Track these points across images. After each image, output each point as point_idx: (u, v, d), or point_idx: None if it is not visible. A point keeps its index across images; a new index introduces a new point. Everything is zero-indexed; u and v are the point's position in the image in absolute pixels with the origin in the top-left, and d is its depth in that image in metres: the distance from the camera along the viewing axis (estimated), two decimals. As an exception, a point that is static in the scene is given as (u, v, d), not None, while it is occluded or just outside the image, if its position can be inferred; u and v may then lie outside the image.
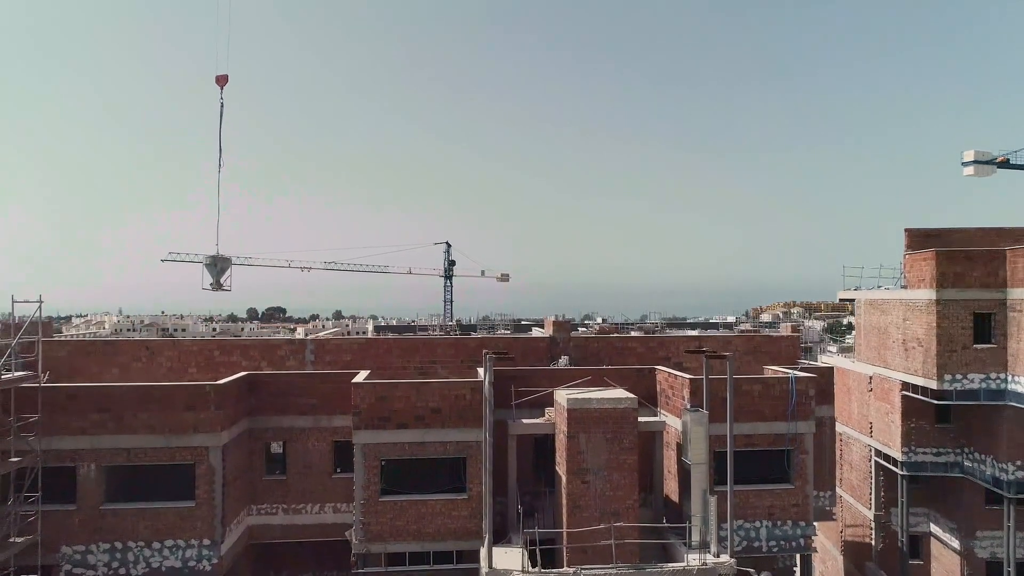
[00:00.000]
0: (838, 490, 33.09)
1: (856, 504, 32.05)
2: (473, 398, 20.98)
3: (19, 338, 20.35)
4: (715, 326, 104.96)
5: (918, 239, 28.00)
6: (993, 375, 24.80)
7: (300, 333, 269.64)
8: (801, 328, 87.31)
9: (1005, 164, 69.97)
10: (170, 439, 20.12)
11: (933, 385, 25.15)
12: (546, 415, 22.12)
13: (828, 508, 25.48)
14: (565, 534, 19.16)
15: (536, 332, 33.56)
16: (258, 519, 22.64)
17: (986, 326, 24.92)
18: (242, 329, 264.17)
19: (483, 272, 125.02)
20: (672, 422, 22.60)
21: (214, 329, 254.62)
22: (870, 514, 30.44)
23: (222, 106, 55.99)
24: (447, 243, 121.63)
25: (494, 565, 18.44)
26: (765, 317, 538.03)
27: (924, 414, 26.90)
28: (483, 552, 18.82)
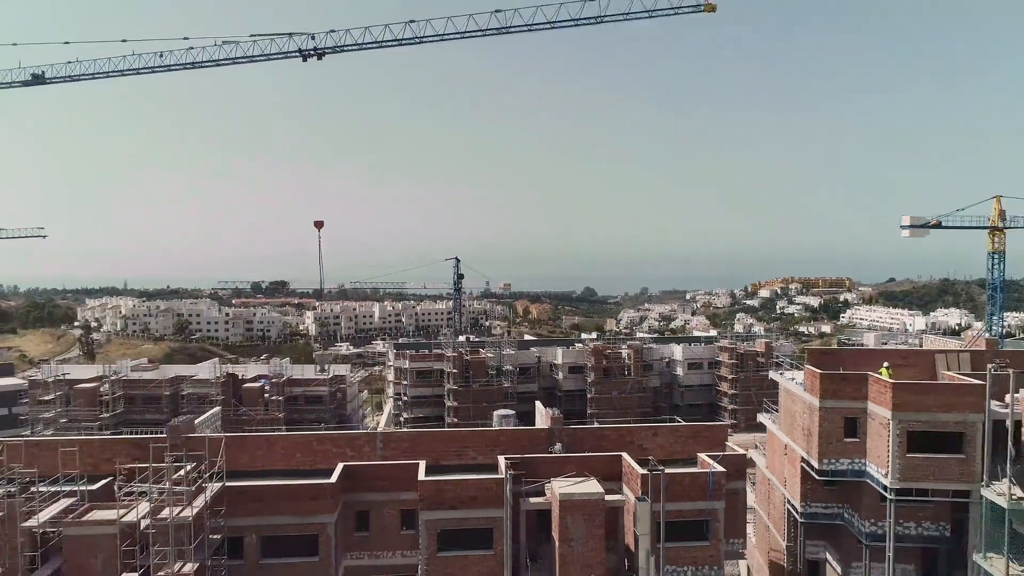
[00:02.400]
0: (766, 520, 44.87)
1: (776, 535, 43.77)
2: (497, 489, 32.32)
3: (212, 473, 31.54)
4: (698, 340, 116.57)
5: (815, 356, 39.22)
6: (857, 460, 36.18)
7: (309, 318, 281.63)
8: (773, 345, 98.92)
9: (937, 226, 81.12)
10: (302, 518, 31.58)
11: (816, 465, 36.60)
12: (547, 493, 33.47)
13: (740, 550, 36.90)
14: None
15: (538, 417, 44.45)
16: (352, 562, 34.14)
17: (852, 426, 36.22)
18: (254, 314, 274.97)
19: (487, 283, 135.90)
20: (630, 496, 33.94)
21: (227, 315, 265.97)
22: (783, 544, 42.17)
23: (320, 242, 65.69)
24: (456, 258, 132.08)
25: (512, 601, 29.99)
26: (763, 293, 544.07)
27: (824, 484, 38.25)
28: (505, 592, 30.36)
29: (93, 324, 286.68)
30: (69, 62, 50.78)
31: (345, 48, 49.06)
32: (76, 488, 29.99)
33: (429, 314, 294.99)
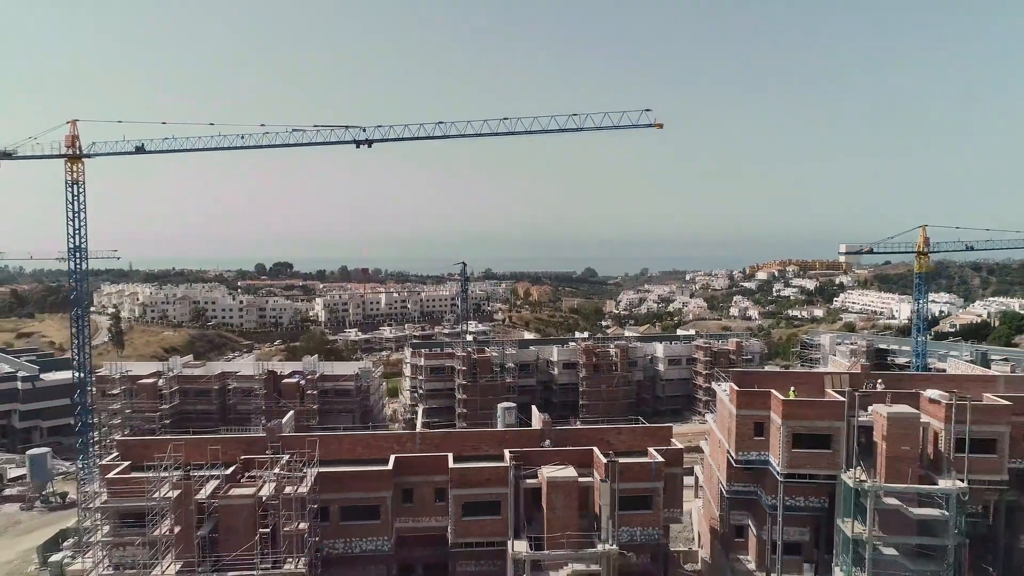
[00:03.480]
0: (706, 497, 59.54)
1: (713, 507, 58.47)
2: (503, 473, 46.74)
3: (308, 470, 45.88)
4: (678, 338, 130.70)
5: (738, 376, 53.59)
6: (763, 453, 50.63)
7: (318, 304, 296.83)
8: (744, 343, 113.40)
9: (870, 252, 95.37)
10: (368, 493, 46.10)
11: (735, 456, 51.13)
12: (538, 476, 47.83)
13: (678, 517, 51.44)
14: (546, 537, 45.15)
15: (534, 419, 58.63)
16: (401, 524, 48.61)
17: (760, 428, 50.62)
18: (266, 301, 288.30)
19: (486, 270, 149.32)
20: (597, 478, 48.29)
21: (240, 302, 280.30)
22: (718, 513, 56.84)
23: None
24: (463, 263, 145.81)
25: (515, 548, 44.55)
26: (761, 275, 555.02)
27: (742, 471, 52.66)
28: (509, 543, 44.89)
29: (111, 310, 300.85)
30: (166, 138, 64.73)
31: (388, 139, 62.91)
32: (217, 473, 44.41)
33: (434, 300, 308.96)
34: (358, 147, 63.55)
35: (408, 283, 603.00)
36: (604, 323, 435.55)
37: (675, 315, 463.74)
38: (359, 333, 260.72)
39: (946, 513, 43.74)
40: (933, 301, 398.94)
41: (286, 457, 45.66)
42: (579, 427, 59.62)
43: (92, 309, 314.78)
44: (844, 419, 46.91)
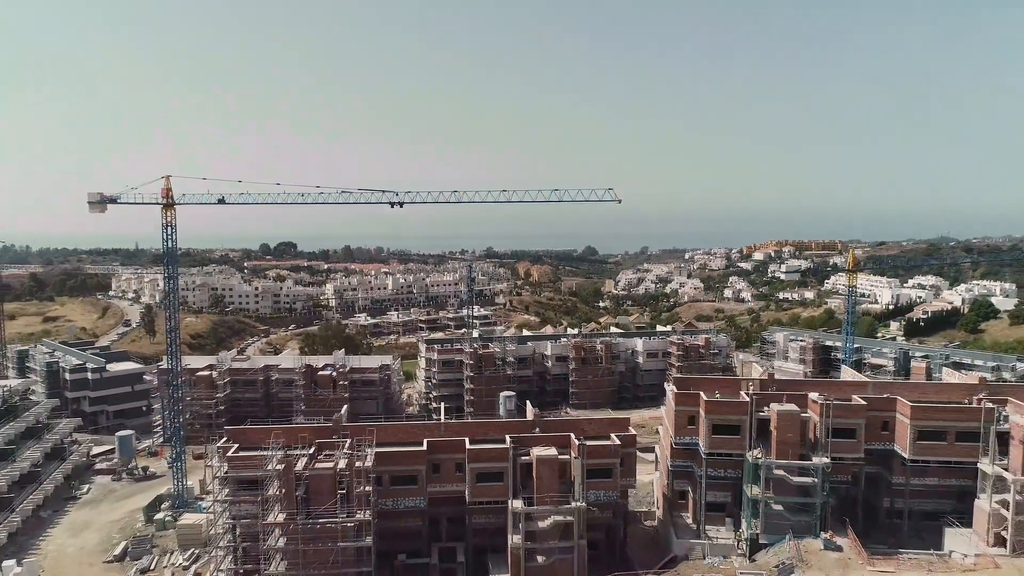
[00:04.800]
0: (660, 470, 79.56)
1: (664, 478, 78.49)
2: (505, 452, 66.60)
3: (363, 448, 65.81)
4: (659, 334, 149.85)
5: (680, 381, 73.28)
6: (694, 438, 70.51)
7: (328, 290, 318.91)
8: (712, 339, 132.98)
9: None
10: (409, 467, 66.07)
11: (674, 440, 71.02)
12: (531, 454, 67.55)
13: (632, 484, 71.36)
14: (535, 497, 65.05)
15: (528, 411, 78.28)
16: (431, 489, 68.40)
17: (692, 420, 70.44)
18: (280, 288, 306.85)
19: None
20: (573, 456, 67.99)
21: (256, 289, 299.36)
22: (666, 482, 76.83)
23: None
24: (469, 266, 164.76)
25: (514, 505, 64.51)
26: (757, 255, 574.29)
27: (681, 450, 72.45)
28: (510, 502, 64.85)
29: (131, 295, 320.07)
30: (241, 193, 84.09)
31: (416, 202, 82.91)
32: (304, 452, 64.14)
33: (438, 285, 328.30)
34: (392, 207, 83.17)
35: (411, 263, 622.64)
36: (602, 304, 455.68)
37: (671, 296, 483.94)
38: (368, 318, 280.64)
39: (816, 480, 63.61)
40: (918, 285, 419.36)
41: (348, 441, 65.47)
42: (560, 418, 79.56)
43: (111, 293, 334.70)
44: (748, 414, 66.66)
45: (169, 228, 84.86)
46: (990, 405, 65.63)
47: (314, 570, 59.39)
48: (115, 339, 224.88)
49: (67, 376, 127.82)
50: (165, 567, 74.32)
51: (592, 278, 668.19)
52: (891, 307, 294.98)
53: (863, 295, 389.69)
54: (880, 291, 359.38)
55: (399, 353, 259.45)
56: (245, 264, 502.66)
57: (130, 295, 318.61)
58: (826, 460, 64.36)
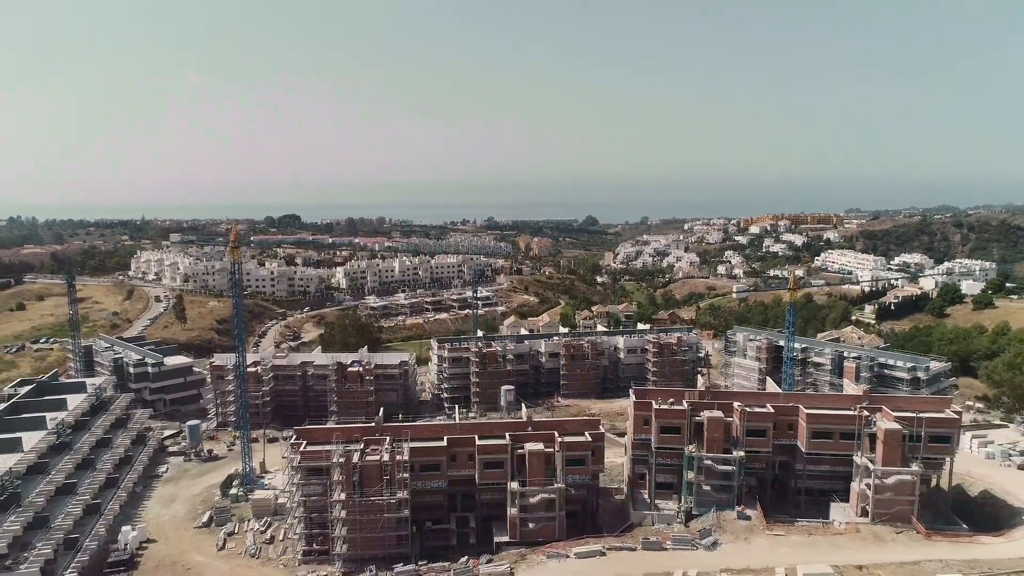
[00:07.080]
0: (626, 456, 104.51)
1: (629, 464, 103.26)
2: (505, 446, 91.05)
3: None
4: (639, 332, 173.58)
5: (639, 392, 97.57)
6: (647, 435, 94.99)
7: (339, 273, 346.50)
8: (684, 337, 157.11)
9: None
10: (435, 457, 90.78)
11: (632, 436, 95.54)
12: (524, 448, 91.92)
13: (602, 469, 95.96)
14: (528, 479, 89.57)
15: (524, 412, 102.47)
16: (451, 474, 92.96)
17: (646, 421, 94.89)
18: (295, 272, 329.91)
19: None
20: (556, 448, 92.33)
21: (271, 272, 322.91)
22: (631, 467, 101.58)
23: None
24: (473, 268, 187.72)
25: (512, 486, 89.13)
26: (754, 229, 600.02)
27: (639, 443, 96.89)
28: (509, 484, 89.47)
29: (152, 277, 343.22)
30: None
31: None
32: (356, 448, 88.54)
33: (442, 267, 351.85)
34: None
35: (413, 236, 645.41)
36: (600, 279, 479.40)
37: (667, 272, 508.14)
38: (377, 300, 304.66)
39: (734, 468, 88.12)
40: (903, 263, 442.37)
41: (388, 437, 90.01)
42: (547, 419, 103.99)
43: (131, 274, 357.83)
44: (686, 419, 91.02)
45: (235, 265, 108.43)
46: (865, 413, 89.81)
47: (367, 533, 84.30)
48: (147, 324, 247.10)
49: (131, 370, 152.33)
50: (246, 531, 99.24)
51: (592, 250, 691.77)
52: (867, 290, 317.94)
53: (848, 272, 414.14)
54: (863, 272, 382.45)
55: (407, 333, 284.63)
56: (251, 238, 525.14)
57: (150, 277, 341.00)
58: (742, 453, 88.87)
